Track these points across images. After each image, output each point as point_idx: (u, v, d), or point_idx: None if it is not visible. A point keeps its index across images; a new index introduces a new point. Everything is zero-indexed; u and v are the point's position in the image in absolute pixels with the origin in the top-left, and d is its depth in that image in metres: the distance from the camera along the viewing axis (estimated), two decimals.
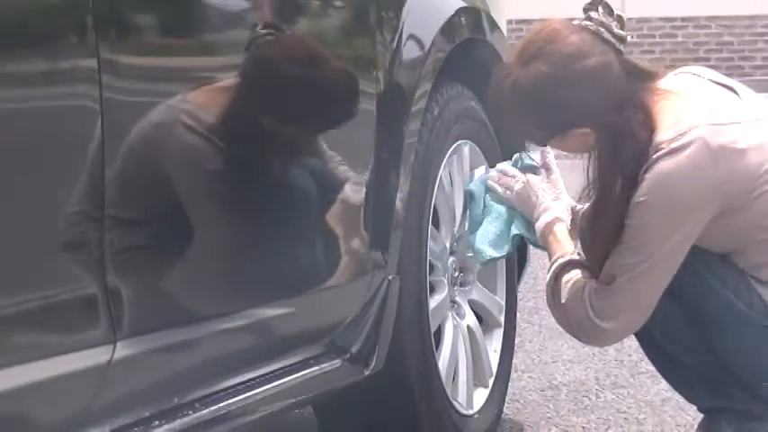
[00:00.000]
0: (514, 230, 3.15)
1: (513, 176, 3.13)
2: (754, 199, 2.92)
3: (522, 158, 3.13)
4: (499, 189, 3.14)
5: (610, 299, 2.94)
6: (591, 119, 2.95)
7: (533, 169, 3.13)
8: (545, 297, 3.09)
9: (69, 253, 2.15)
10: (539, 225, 3.08)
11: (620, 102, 2.93)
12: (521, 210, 3.15)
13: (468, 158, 3.32)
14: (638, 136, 2.91)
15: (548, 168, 3.16)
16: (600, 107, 2.94)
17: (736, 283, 3.00)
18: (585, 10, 2.96)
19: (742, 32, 19.46)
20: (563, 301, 2.99)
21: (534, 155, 3.14)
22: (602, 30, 2.94)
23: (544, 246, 3.10)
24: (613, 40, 2.95)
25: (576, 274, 2.99)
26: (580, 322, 2.98)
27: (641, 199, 2.90)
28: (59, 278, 2.13)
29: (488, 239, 3.14)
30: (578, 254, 3.07)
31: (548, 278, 3.04)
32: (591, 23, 2.95)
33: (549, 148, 3.14)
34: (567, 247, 3.06)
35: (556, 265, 3.03)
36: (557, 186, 3.15)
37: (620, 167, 2.96)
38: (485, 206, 3.16)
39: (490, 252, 3.13)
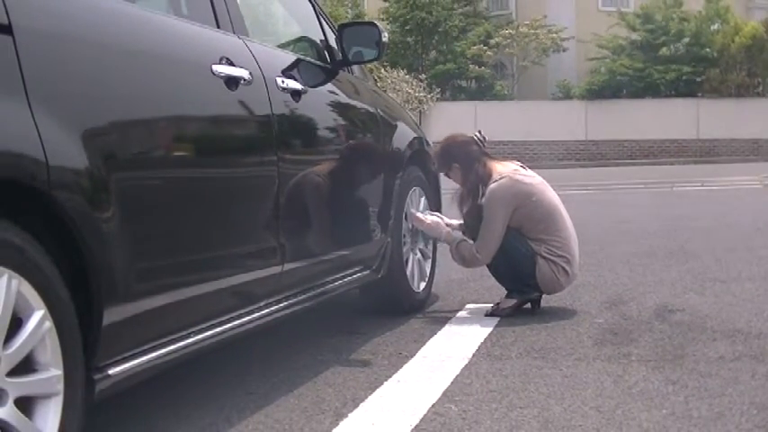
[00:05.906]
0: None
1: (424, 219, 3.12)
2: (527, 205, 2.96)
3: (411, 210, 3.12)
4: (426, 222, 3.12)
5: (483, 246, 2.93)
6: (461, 162, 3.02)
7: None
8: (450, 254, 3.07)
9: (267, 230, 2.11)
10: (447, 237, 3.07)
11: (473, 159, 2.99)
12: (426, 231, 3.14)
13: (417, 194, 3.27)
14: (480, 173, 2.96)
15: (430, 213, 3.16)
16: (464, 159, 3.01)
17: (519, 239, 3.01)
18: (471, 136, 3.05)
19: (520, 147, 19.37)
20: (463, 254, 2.99)
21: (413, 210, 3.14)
22: (474, 138, 3.03)
23: (445, 239, 3.06)
24: (476, 141, 3.02)
25: (465, 244, 3.00)
26: (472, 261, 2.99)
27: (485, 202, 2.93)
28: (266, 239, 2.11)
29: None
30: (464, 238, 3.05)
31: (452, 248, 3.05)
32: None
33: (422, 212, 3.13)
34: (457, 237, 3.05)
35: (455, 243, 3.04)
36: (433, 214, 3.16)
37: (470, 185, 3.01)
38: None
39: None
